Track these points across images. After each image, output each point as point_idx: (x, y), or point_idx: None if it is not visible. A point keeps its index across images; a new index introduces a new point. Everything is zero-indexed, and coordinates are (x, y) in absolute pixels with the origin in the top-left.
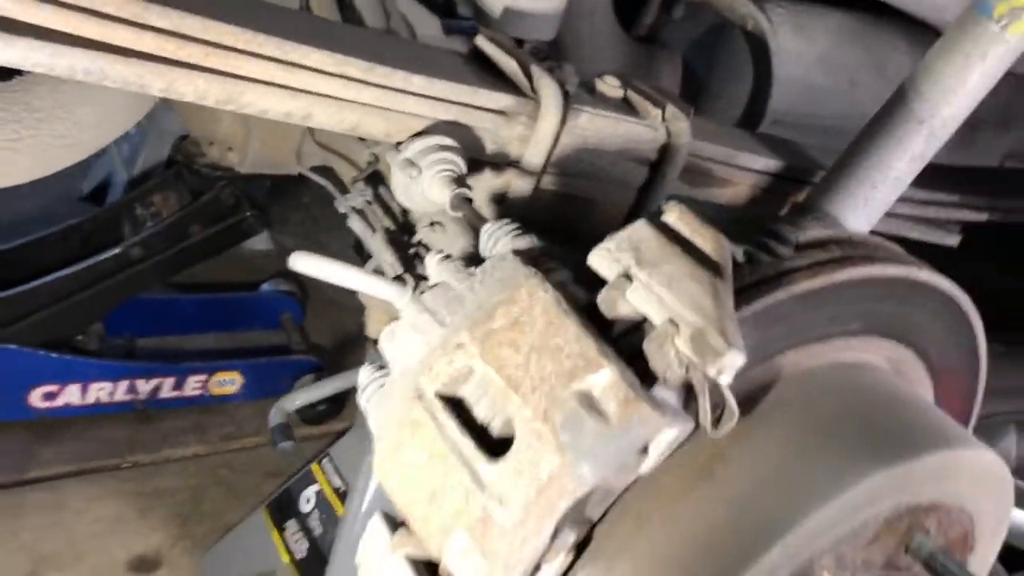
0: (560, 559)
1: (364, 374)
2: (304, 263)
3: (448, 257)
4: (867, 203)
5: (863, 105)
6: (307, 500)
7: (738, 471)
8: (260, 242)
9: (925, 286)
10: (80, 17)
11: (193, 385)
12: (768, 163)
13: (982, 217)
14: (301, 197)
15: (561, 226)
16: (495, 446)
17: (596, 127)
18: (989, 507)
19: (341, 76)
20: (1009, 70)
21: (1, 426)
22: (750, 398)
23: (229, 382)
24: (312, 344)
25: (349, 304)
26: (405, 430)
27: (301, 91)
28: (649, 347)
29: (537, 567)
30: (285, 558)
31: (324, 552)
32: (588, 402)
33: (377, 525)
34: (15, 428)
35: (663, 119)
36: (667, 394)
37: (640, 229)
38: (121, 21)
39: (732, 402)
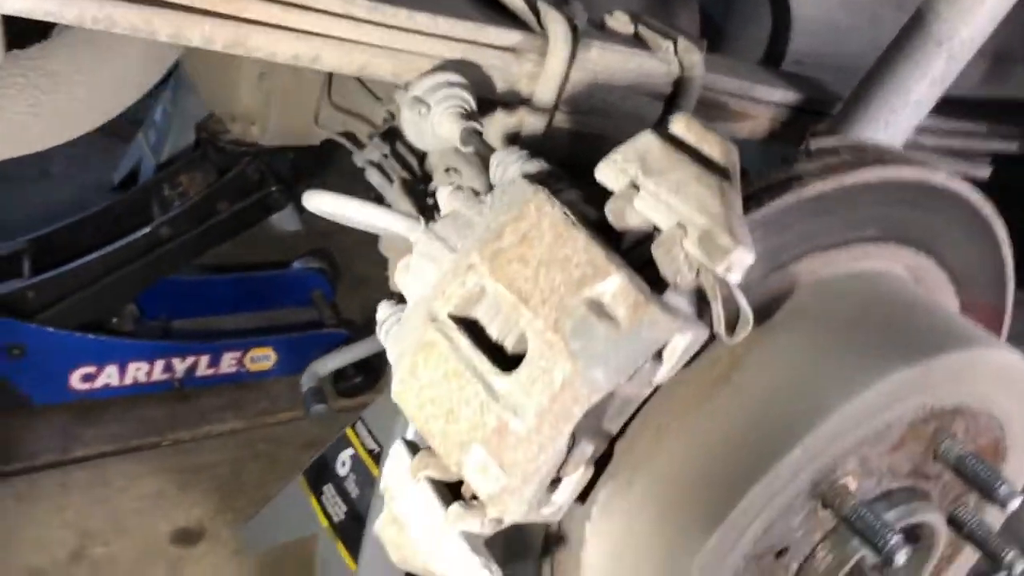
0: (579, 473)
1: (382, 310)
2: (318, 200)
3: (459, 188)
4: (887, 127)
5: (885, 41)
6: (343, 464)
7: (756, 377)
8: (289, 222)
9: (942, 190)
10: None
11: (228, 362)
12: (786, 95)
13: (1012, 147)
14: (325, 177)
15: (576, 164)
16: (510, 363)
17: (606, 61)
18: (1019, 413)
19: (346, 16)
20: None
21: (43, 409)
22: (766, 307)
23: (264, 358)
24: (343, 319)
25: (378, 279)
26: (420, 352)
27: (308, 33)
28: (658, 252)
29: (557, 481)
30: (324, 522)
31: (362, 513)
32: (598, 309)
33: (399, 450)
34: (56, 411)
35: (675, 52)
36: (678, 300)
37: (646, 140)
38: None
39: (746, 306)
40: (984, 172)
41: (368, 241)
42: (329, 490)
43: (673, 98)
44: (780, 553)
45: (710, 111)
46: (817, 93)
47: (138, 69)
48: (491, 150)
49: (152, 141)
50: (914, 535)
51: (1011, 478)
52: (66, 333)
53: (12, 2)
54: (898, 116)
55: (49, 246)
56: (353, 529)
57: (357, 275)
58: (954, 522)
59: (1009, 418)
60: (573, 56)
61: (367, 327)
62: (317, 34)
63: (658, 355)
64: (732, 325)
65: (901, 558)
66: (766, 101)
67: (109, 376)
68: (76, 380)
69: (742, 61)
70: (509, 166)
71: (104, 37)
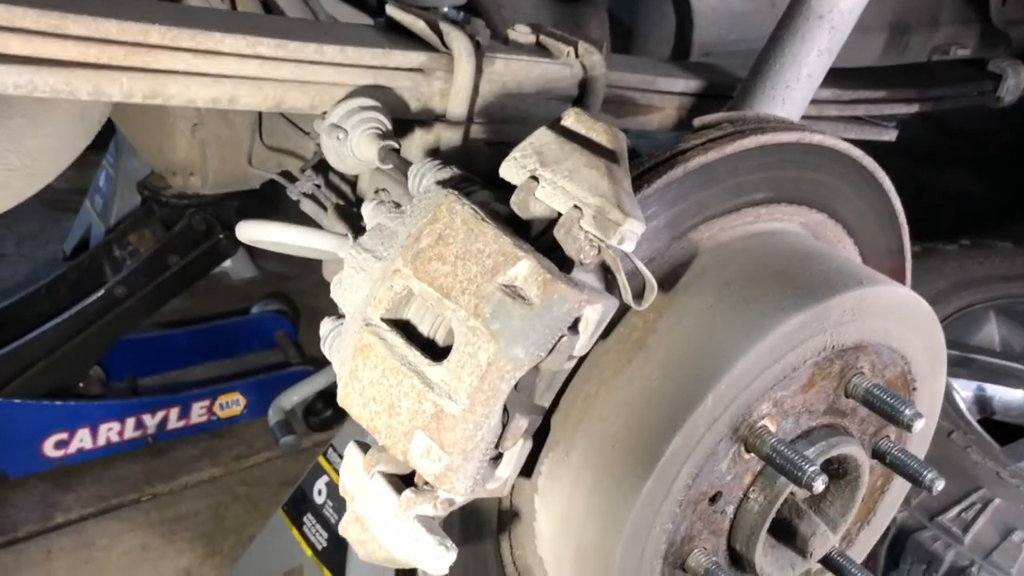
0: (519, 446)
1: (324, 326)
2: (249, 230)
3: (382, 203)
4: (785, 102)
5: None
6: (319, 492)
7: (667, 338)
8: (245, 270)
9: (821, 148)
10: (2, 35)
11: (198, 412)
12: (688, 84)
13: (913, 109)
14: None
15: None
16: (443, 356)
17: (513, 71)
18: (919, 344)
19: (255, 56)
20: None
21: (20, 480)
22: (672, 274)
23: (233, 403)
24: (308, 357)
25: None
26: (359, 356)
27: (221, 76)
28: (559, 233)
29: (499, 456)
30: (308, 552)
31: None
32: (512, 291)
33: (352, 451)
34: (34, 481)
35: (576, 56)
36: (586, 276)
37: (542, 135)
38: (42, 34)
39: (648, 275)
40: (890, 135)
41: (324, 279)
42: (309, 519)
43: (581, 98)
44: (714, 498)
45: (619, 107)
46: (720, 78)
47: (69, 133)
48: (409, 165)
49: (99, 207)
50: (842, 469)
51: (924, 406)
52: (33, 403)
53: None
54: (793, 91)
55: (7, 320)
56: (336, 554)
57: (317, 313)
58: (878, 453)
59: (910, 350)
60: (479, 70)
61: None
62: (230, 76)
63: (575, 328)
64: (640, 294)
65: (820, 485)
66: (670, 92)
67: (82, 440)
68: (49, 448)
69: (647, 58)
70: (424, 176)
71: (34, 105)
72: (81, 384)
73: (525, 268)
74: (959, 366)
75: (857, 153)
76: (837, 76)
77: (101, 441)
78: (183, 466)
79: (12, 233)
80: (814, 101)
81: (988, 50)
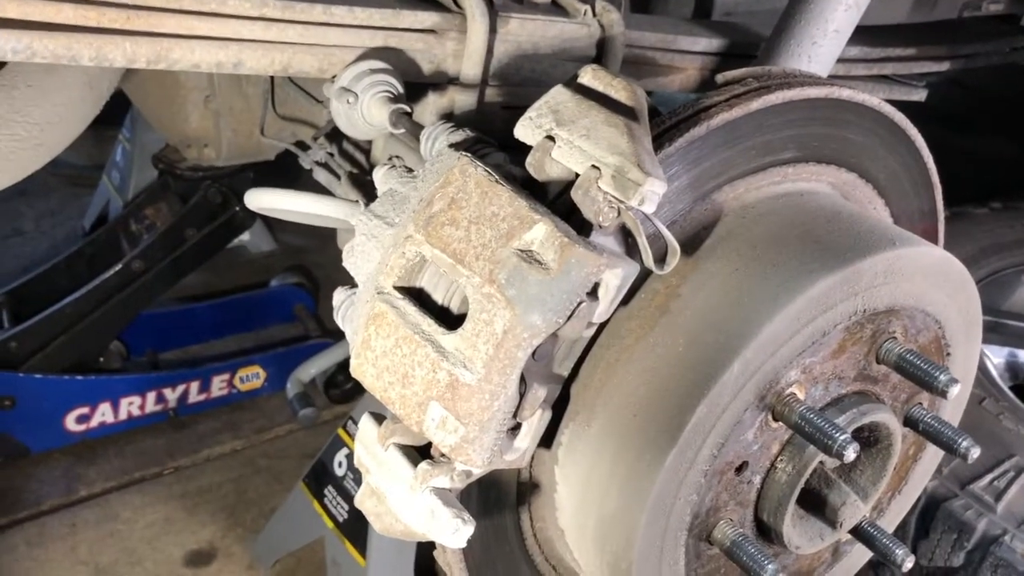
0: (537, 416)
1: (337, 296)
2: (259, 198)
3: (393, 167)
4: (811, 60)
5: None
6: (339, 464)
7: (691, 304)
8: (263, 243)
9: (851, 104)
10: None
11: (219, 385)
12: (710, 43)
13: (943, 67)
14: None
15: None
16: (458, 324)
17: (528, 31)
18: (953, 307)
19: (261, 18)
20: None
21: (43, 455)
22: (695, 237)
23: (253, 376)
24: (328, 329)
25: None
26: (371, 325)
27: (227, 39)
28: (577, 195)
29: (517, 427)
30: (329, 524)
31: None
32: (528, 256)
33: (366, 423)
34: (56, 455)
35: (594, 14)
36: (605, 240)
37: (558, 94)
38: None
39: (671, 238)
40: (920, 95)
41: (340, 248)
42: (330, 492)
43: (599, 59)
44: (740, 468)
45: (639, 68)
46: (743, 37)
47: (77, 103)
48: (422, 129)
49: (117, 182)
50: (873, 437)
51: (959, 371)
52: (54, 378)
53: None
54: (820, 47)
55: (26, 296)
56: (358, 526)
57: (336, 285)
58: (910, 421)
59: (944, 314)
60: (493, 30)
61: None
62: (235, 39)
63: (594, 294)
64: (661, 257)
65: (851, 454)
66: (692, 51)
67: (103, 414)
68: (71, 422)
69: (667, 17)
70: (437, 139)
71: (39, 75)
72: (102, 359)
73: (541, 232)
74: (990, 331)
75: (889, 109)
76: (865, 33)
77: (123, 415)
78: (205, 439)
79: (31, 210)
80: (841, 59)
81: (1021, 5)
